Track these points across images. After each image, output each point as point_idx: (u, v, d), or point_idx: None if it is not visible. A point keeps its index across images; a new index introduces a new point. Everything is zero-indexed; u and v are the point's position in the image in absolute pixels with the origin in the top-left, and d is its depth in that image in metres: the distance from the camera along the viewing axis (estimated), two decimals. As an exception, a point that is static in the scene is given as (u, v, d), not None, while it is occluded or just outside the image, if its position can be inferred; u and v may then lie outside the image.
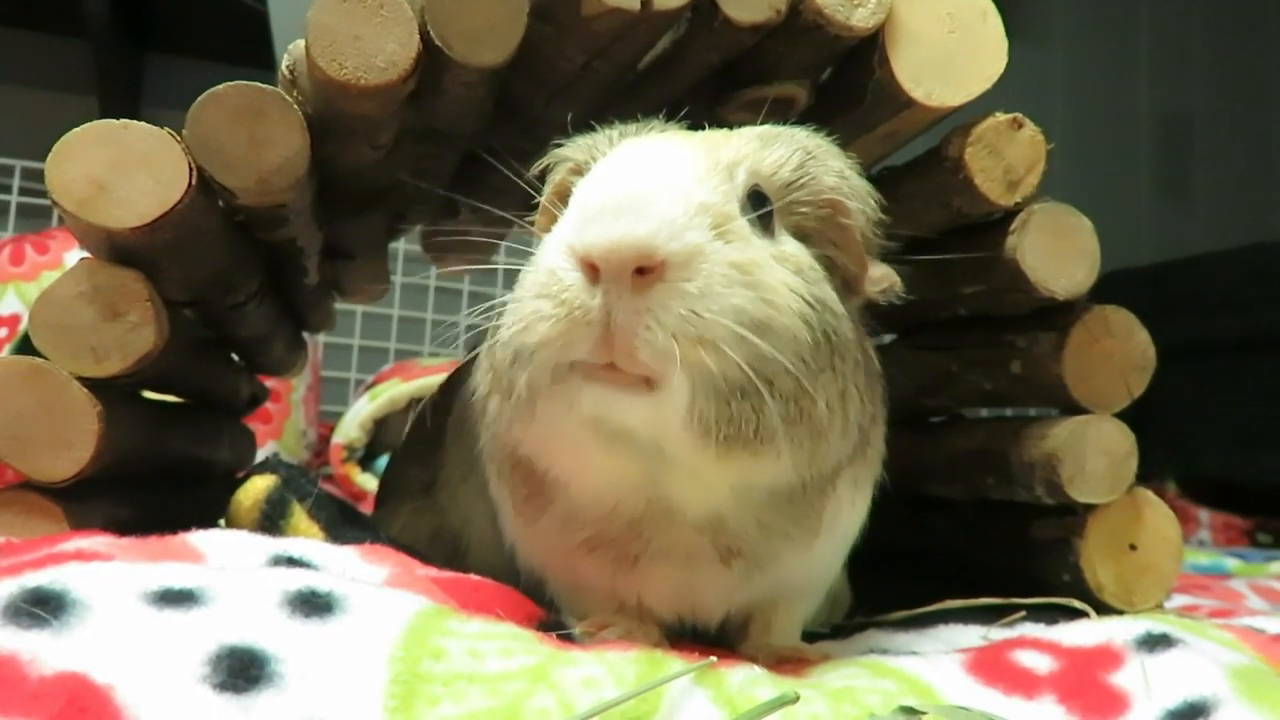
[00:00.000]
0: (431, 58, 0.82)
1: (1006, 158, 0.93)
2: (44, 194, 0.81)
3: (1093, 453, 0.96)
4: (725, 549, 0.74)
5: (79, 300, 0.81)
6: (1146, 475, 1.00)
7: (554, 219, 0.72)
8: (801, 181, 0.74)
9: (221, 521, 0.97)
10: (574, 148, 0.79)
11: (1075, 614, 0.90)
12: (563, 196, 0.74)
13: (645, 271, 0.62)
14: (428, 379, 2.48)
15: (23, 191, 2.69)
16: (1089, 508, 0.98)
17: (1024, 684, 0.69)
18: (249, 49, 2.48)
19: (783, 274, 0.68)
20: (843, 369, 0.71)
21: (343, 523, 0.95)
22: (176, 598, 0.57)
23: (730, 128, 0.78)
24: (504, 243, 1.27)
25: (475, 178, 1.16)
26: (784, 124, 0.78)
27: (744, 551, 0.74)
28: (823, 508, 0.77)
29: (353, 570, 0.73)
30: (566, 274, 0.64)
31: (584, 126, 0.80)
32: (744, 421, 0.65)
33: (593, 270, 0.62)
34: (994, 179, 0.93)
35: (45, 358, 0.81)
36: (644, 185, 0.64)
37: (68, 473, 0.81)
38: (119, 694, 0.49)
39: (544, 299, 0.64)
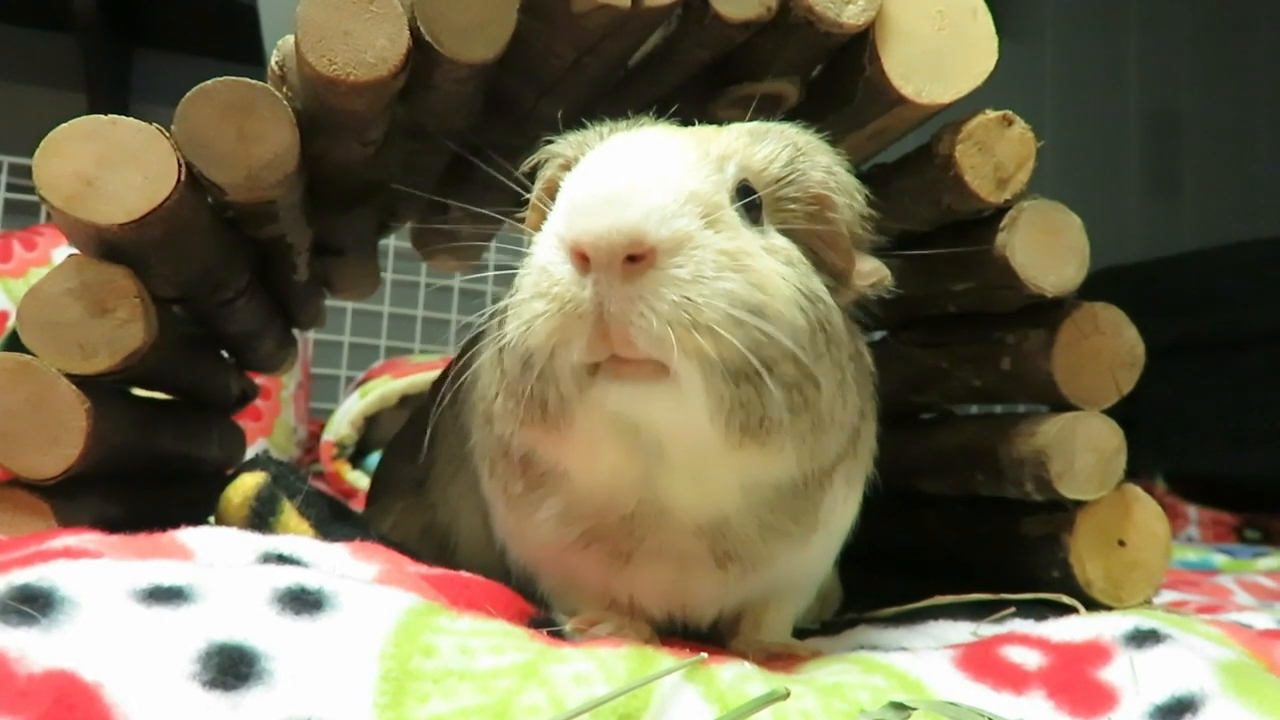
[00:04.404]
0: (421, 53, 0.82)
1: (996, 155, 0.93)
2: (32, 190, 0.81)
3: (1082, 449, 0.96)
4: (723, 553, 0.74)
5: (67, 297, 0.80)
6: (1135, 472, 1.00)
7: (544, 216, 0.72)
8: (791, 178, 0.74)
9: (211, 519, 0.97)
10: (564, 144, 0.79)
11: (1064, 610, 0.91)
12: (553, 193, 0.74)
13: (636, 259, 0.61)
14: (419, 376, 2.48)
15: (10, 188, 2.68)
16: (1078, 504, 0.98)
17: (1013, 679, 0.69)
18: (238, 45, 2.48)
19: (773, 263, 0.68)
20: (839, 359, 0.71)
21: (333, 520, 0.95)
22: (165, 595, 0.57)
23: (721, 125, 0.78)
24: (494, 243, 1.27)
25: (465, 174, 1.16)
26: (773, 120, 0.78)
27: (741, 555, 0.74)
28: (820, 503, 0.77)
29: (343, 567, 0.73)
30: (557, 268, 0.64)
31: (575, 123, 0.80)
32: (750, 408, 0.64)
33: (583, 260, 0.62)
34: (984, 176, 0.93)
35: (33, 354, 0.80)
36: (633, 175, 0.64)
37: (56, 470, 0.80)
38: (108, 692, 0.49)
39: (540, 298, 0.64)
